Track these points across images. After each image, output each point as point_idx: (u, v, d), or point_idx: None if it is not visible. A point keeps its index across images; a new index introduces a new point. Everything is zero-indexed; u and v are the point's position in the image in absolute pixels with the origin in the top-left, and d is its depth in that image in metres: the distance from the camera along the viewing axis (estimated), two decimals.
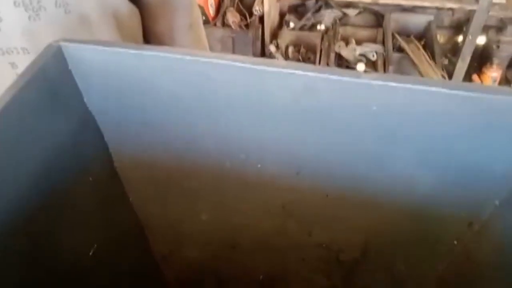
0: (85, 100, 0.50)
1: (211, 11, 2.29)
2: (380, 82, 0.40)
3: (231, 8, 2.35)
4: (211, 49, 2.48)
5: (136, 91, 0.48)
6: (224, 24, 2.32)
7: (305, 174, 0.51)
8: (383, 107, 0.42)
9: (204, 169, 0.54)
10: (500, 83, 2.24)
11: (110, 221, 0.59)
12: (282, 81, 0.43)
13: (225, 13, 2.33)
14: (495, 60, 2.19)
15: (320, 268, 0.63)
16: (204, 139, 0.50)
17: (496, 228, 0.47)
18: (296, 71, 0.42)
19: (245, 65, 0.43)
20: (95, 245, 0.54)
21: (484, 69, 2.21)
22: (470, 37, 2.08)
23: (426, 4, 2.22)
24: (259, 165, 0.52)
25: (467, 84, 0.40)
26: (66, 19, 0.58)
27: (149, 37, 0.73)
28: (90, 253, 0.53)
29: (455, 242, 0.51)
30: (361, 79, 0.40)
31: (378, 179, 0.49)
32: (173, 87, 0.47)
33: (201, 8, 2.20)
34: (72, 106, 0.49)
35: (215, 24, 2.32)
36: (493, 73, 2.18)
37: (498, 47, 2.20)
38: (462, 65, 2.19)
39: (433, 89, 0.39)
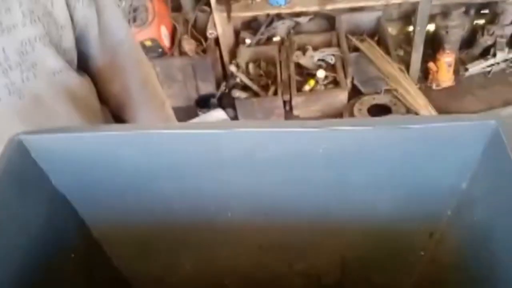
0: (53, 182, 0.52)
1: (166, 42, 2.32)
2: (323, 129, 0.44)
3: (186, 36, 2.38)
4: (174, 79, 2.50)
5: (100, 166, 0.51)
6: (181, 53, 2.35)
7: (273, 215, 0.54)
8: (329, 148, 0.45)
9: (178, 226, 0.56)
10: (455, 66, 2.33)
11: (100, 287, 0.61)
12: (234, 140, 0.46)
13: (180, 41, 2.36)
14: (447, 45, 2.28)
15: None
16: (173, 201, 0.53)
17: (452, 234, 0.51)
18: (243, 129, 0.45)
19: (197, 131, 0.46)
20: None
21: (438, 56, 2.29)
22: (418, 27, 2.16)
23: (371, 3, 2.30)
24: (229, 214, 0.55)
25: (399, 117, 0.44)
26: (21, 105, 0.60)
27: (106, 98, 0.76)
28: None
29: (422, 253, 0.55)
30: (304, 129, 0.44)
31: (342, 207, 0.53)
32: (134, 158, 0.49)
33: (156, 41, 2.22)
34: (41, 190, 0.51)
35: (172, 54, 2.35)
36: (447, 58, 2.25)
37: (447, 32, 2.28)
38: (416, 55, 2.27)
39: (371, 127, 0.43)
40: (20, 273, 0.47)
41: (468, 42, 2.47)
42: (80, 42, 0.68)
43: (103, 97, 0.75)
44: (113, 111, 0.76)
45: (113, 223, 0.57)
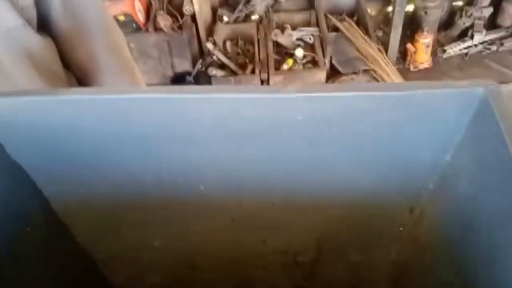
0: (8, 151, 0.48)
1: (141, 17, 2.24)
2: (301, 95, 0.40)
3: (161, 12, 2.31)
4: (148, 55, 2.43)
5: (60, 134, 0.46)
6: (157, 29, 2.28)
7: (246, 188, 0.51)
8: (307, 115, 0.42)
9: (146, 199, 0.53)
10: (433, 47, 2.32)
11: (63, 265, 0.57)
12: (204, 106, 0.42)
13: (155, 17, 2.29)
14: (425, 26, 2.26)
15: (282, 272, 0.64)
16: (140, 172, 0.50)
17: (434, 210, 0.49)
18: (218, 95, 0.41)
19: (164, 95, 0.42)
20: None
21: (416, 37, 2.28)
22: (398, 7, 2.13)
23: None
24: (201, 187, 0.51)
25: (382, 84, 0.41)
26: None
27: (71, 64, 0.71)
28: None
29: (401, 229, 0.53)
30: (282, 94, 0.41)
31: (318, 182, 0.50)
32: (97, 127, 0.45)
33: (129, 16, 2.14)
34: None
35: (147, 30, 2.27)
36: (425, 39, 2.25)
37: (425, 13, 2.27)
38: (395, 35, 2.25)
39: (350, 94, 0.40)
40: None
41: (447, 23, 2.47)
42: (40, 2, 0.63)
43: (67, 64, 0.71)
44: (80, 79, 0.71)
45: (75, 196, 0.53)
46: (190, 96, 0.42)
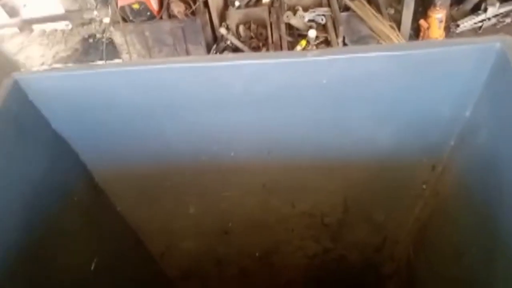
0: (52, 126, 0.51)
1: (155, 5, 2.26)
2: (325, 57, 0.43)
3: None
4: (164, 43, 2.45)
5: (99, 108, 0.50)
6: (170, 16, 2.30)
7: (276, 153, 0.54)
8: (332, 77, 0.45)
9: (181, 167, 0.56)
10: (446, 22, 2.31)
11: (104, 234, 0.61)
12: (233, 73, 0.45)
13: (168, 4, 2.31)
14: (438, 1, 2.24)
15: (308, 234, 0.67)
16: (174, 140, 0.53)
17: (456, 165, 0.51)
18: (244, 62, 0.44)
19: (193, 64, 0.45)
20: (95, 259, 0.56)
21: (429, 12, 2.26)
22: None
23: None
24: (232, 153, 0.54)
25: (403, 44, 0.44)
26: None
27: None
28: (92, 268, 0.55)
29: (424, 186, 0.56)
30: (307, 58, 0.43)
31: (343, 143, 0.53)
32: (133, 98, 0.49)
33: (144, 3, 2.17)
34: (41, 134, 0.51)
35: (161, 18, 2.30)
36: (438, 15, 2.23)
37: None
38: (407, 12, 2.24)
39: (373, 54, 0.42)
40: (23, 218, 0.47)
41: None
42: None
43: None
44: None
45: (115, 167, 0.57)
46: (221, 64, 0.45)
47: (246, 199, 0.60)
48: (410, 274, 0.64)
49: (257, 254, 0.70)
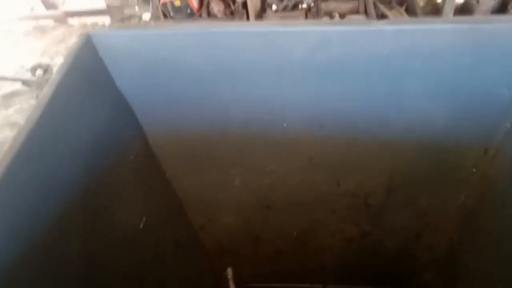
0: (117, 85, 0.54)
1: (195, 3, 2.31)
2: (391, 27, 0.44)
3: None
4: None
5: (162, 70, 0.52)
6: (210, 14, 2.35)
7: (328, 126, 0.55)
8: (394, 49, 0.45)
9: (232, 135, 0.58)
10: None
11: (152, 196, 0.63)
12: (296, 40, 0.46)
13: (208, 3, 2.35)
14: (477, 15, 2.23)
15: (349, 216, 0.68)
16: (229, 106, 0.54)
17: (510, 150, 0.51)
18: (309, 28, 0.46)
19: (257, 29, 0.47)
20: (144, 219, 0.58)
21: None
22: None
23: None
24: (284, 124, 0.56)
25: (467, 18, 0.44)
26: None
27: None
28: (141, 226, 0.57)
29: (474, 170, 0.56)
30: (372, 27, 0.44)
31: (395, 120, 0.53)
32: (195, 61, 0.50)
33: (185, 1, 2.22)
34: (106, 91, 0.53)
35: (200, 15, 2.34)
36: None
37: (477, 2, 2.24)
38: None
39: (439, 26, 0.43)
40: (86, 163, 0.49)
41: (499, 12, 2.42)
42: None
43: None
44: None
45: (169, 133, 0.59)
46: (282, 29, 0.46)
47: (291, 173, 0.61)
48: (452, 263, 0.64)
49: (294, 234, 0.71)
